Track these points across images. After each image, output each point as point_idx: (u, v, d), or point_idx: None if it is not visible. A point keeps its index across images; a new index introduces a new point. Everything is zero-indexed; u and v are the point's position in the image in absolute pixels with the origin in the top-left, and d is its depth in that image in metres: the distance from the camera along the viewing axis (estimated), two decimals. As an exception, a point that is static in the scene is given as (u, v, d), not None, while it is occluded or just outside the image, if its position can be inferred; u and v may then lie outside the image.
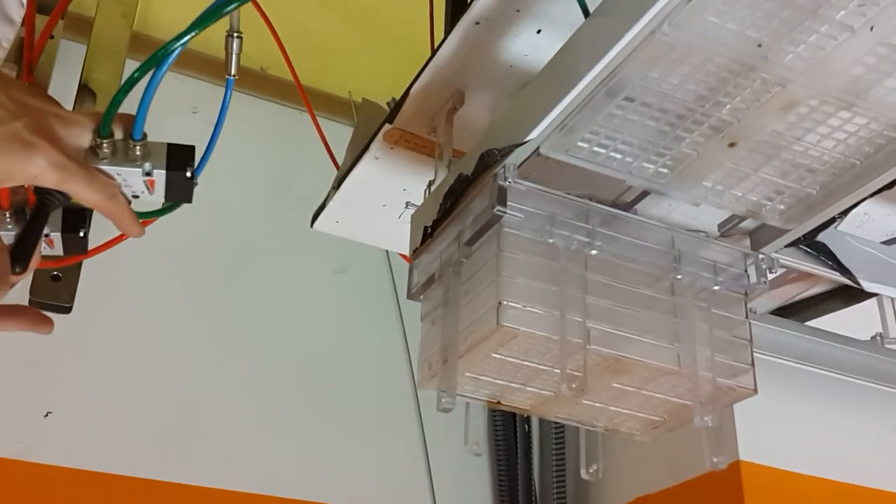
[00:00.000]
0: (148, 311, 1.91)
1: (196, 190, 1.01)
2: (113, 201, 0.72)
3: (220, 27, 0.93)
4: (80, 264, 1.40)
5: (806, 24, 0.69)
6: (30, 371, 1.75)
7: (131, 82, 0.71)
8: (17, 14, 1.10)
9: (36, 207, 0.73)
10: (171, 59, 0.71)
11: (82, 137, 0.72)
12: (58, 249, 0.80)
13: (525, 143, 0.85)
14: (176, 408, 1.86)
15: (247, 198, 2.12)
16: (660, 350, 0.90)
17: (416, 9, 1.52)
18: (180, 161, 0.75)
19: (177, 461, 1.81)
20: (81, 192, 0.70)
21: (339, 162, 1.39)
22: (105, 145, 0.72)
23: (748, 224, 1.01)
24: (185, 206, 1.35)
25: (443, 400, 0.86)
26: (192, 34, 0.71)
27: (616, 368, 0.89)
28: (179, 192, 0.77)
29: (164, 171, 0.74)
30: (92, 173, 0.71)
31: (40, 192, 0.73)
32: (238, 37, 0.98)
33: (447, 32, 1.17)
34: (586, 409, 0.97)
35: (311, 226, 1.28)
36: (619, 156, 0.83)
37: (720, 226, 1.03)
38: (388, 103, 1.40)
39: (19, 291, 1.02)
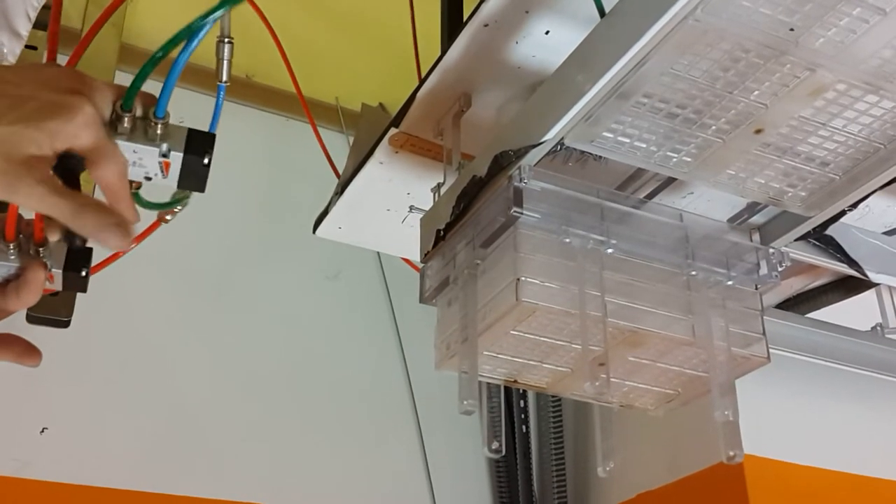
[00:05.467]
0: (142, 323, 1.89)
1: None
2: (124, 180, 0.69)
3: (207, 35, 0.92)
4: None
5: (839, 6, 0.68)
6: (24, 386, 1.72)
7: (158, 58, 0.69)
8: (25, 29, 1.08)
9: (64, 172, 0.69)
10: (200, 36, 0.69)
11: (105, 102, 0.69)
12: (56, 284, 0.78)
13: (541, 143, 0.85)
14: (173, 419, 1.84)
15: (235, 207, 2.11)
16: (675, 321, 0.91)
17: (402, 14, 1.52)
18: (199, 147, 0.72)
19: (175, 473, 1.80)
20: (104, 162, 0.67)
21: (337, 168, 1.39)
22: (126, 120, 0.70)
23: (758, 219, 1.02)
24: (174, 219, 1.33)
25: (465, 403, 0.86)
26: (223, 10, 0.70)
27: (632, 341, 0.91)
28: (193, 180, 0.73)
29: (181, 154, 0.72)
30: (115, 146, 0.68)
31: (60, 158, 0.68)
32: (229, 42, 0.97)
33: (445, 36, 1.18)
34: (602, 385, 0.98)
35: (314, 232, 1.27)
36: (643, 145, 0.83)
37: (730, 221, 1.04)
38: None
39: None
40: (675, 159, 0.85)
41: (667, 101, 0.79)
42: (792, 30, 0.71)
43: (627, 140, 0.83)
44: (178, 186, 0.75)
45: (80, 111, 0.65)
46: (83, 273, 0.75)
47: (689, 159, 0.85)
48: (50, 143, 0.64)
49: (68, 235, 0.74)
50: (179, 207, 0.88)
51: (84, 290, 0.76)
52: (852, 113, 0.79)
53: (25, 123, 0.64)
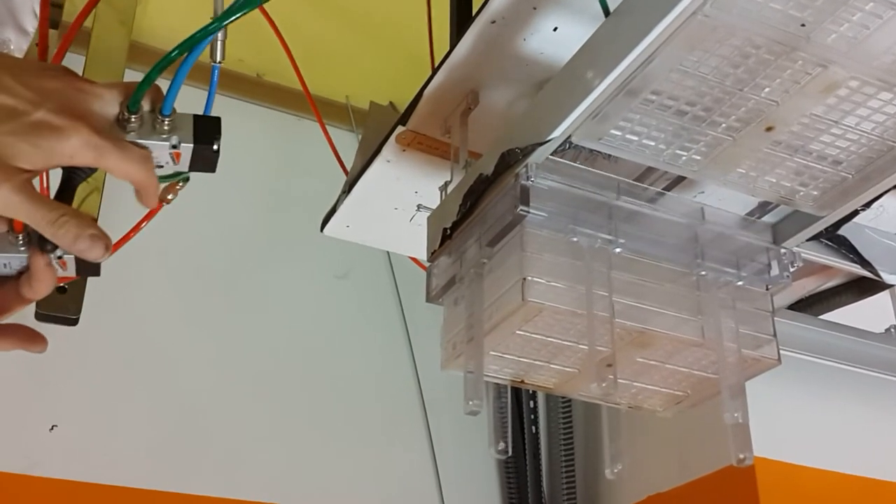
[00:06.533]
0: (151, 321, 1.89)
1: (195, 199, 0.99)
2: (149, 175, 0.71)
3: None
4: (84, 277, 1.39)
5: (851, 1, 0.67)
6: (34, 384, 1.72)
7: (167, 61, 0.70)
8: (31, 25, 1.09)
9: (63, 182, 0.72)
10: (208, 40, 0.70)
11: (109, 109, 0.71)
12: (70, 271, 0.79)
13: (548, 141, 0.84)
14: (181, 417, 1.83)
15: (245, 206, 2.10)
16: (683, 322, 0.90)
17: (412, 12, 1.51)
18: (207, 134, 0.74)
19: (184, 471, 1.79)
20: (118, 166, 0.68)
21: (346, 167, 1.38)
22: (133, 119, 0.71)
23: (769, 218, 1.00)
24: (184, 216, 1.32)
25: (471, 403, 0.85)
26: (232, 19, 0.71)
27: (640, 342, 0.90)
28: (204, 164, 0.75)
29: (191, 145, 0.73)
30: (126, 146, 0.69)
31: (67, 167, 0.71)
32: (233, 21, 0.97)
33: (454, 33, 1.17)
34: (610, 386, 0.96)
35: (322, 231, 1.26)
36: (652, 143, 0.81)
37: (743, 219, 1.03)
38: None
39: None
40: (684, 157, 0.83)
41: (676, 99, 0.77)
42: (803, 25, 0.69)
43: (636, 138, 0.82)
44: (190, 170, 0.76)
45: (75, 134, 0.66)
46: None
47: (698, 157, 0.83)
48: (43, 160, 0.65)
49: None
50: (181, 185, 0.88)
51: (97, 273, 0.76)
52: (865, 110, 0.77)
53: (18, 137, 0.64)
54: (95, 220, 0.73)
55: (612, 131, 0.81)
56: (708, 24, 0.69)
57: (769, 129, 0.79)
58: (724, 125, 0.79)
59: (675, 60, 0.73)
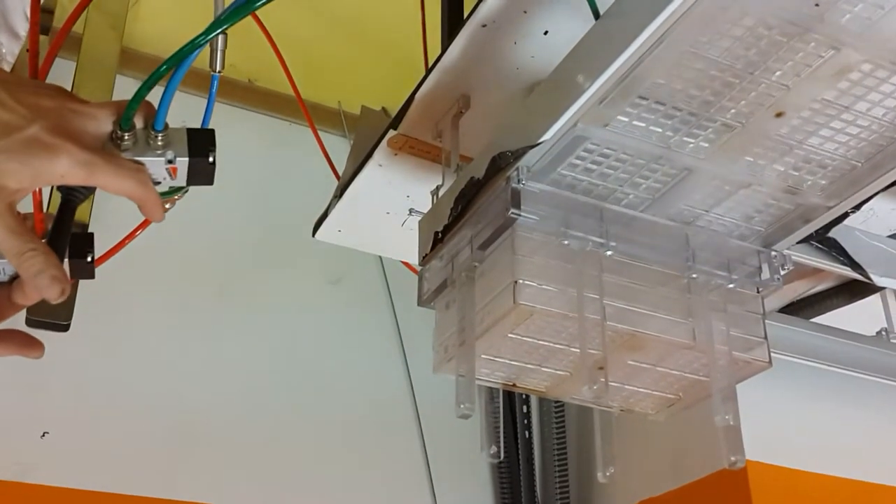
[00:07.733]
0: (143, 328, 1.87)
1: (187, 204, 0.99)
2: (144, 187, 0.71)
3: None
4: (77, 281, 1.38)
5: (866, -21, 0.63)
6: (26, 391, 1.70)
7: (157, 76, 0.70)
8: (23, 29, 1.09)
9: (62, 204, 0.72)
10: (196, 53, 0.70)
11: (102, 128, 0.71)
12: None
13: (538, 144, 0.83)
14: (173, 424, 1.81)
15: (237, 211, 2.09)
16: (675, 325, 0.88)
17: (406, 18, 1.51)
18: (202, 147, 0.74)
19: (175, 478, 1.77)
20: (111, 183, 0.69)
21: (338, 172, 1.38)
22: (127, 136, 0.72)
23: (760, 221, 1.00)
24: (175, 221, 1.31)
25: (462, 406, 0.85)
26: (218, 31, 0.72)
27: (632, 345, 0.88)
28: (201, 177, 0.76)
29: (186, 159, 0.73)
30: (118, 162, 0.70)
31: (64, 187, 0.72)
32: (222, 32, 0.97)
33: (445, 37, 1.17)
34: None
35: (313, 235, 1.25)
36: (659, 130, 0.78)
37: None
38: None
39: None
40: (692, 144, 0.81)
41: (684, 83, 0.74)
42: (817, 5, 0.66)
43: (643, 124, 0.79)
44: (188, 184, 0.77)
45: (65, 153, 0.67)
46: (88, 259, 0.76)
47: (706, 144, 0.80)
48: (32, 179, 0.65)
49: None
50: (178, 196, 0.89)
51: (91, 276, 0.77)
52: (877, 95, 0.74)
53: (8, 154, 0.64)
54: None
55: (619, 117, 0.78)
56: (719, 4, 0.66)
57: (779, 114, 0.76)
58: (733, 111, 0.76)
59: (685, 43, 0.70)
